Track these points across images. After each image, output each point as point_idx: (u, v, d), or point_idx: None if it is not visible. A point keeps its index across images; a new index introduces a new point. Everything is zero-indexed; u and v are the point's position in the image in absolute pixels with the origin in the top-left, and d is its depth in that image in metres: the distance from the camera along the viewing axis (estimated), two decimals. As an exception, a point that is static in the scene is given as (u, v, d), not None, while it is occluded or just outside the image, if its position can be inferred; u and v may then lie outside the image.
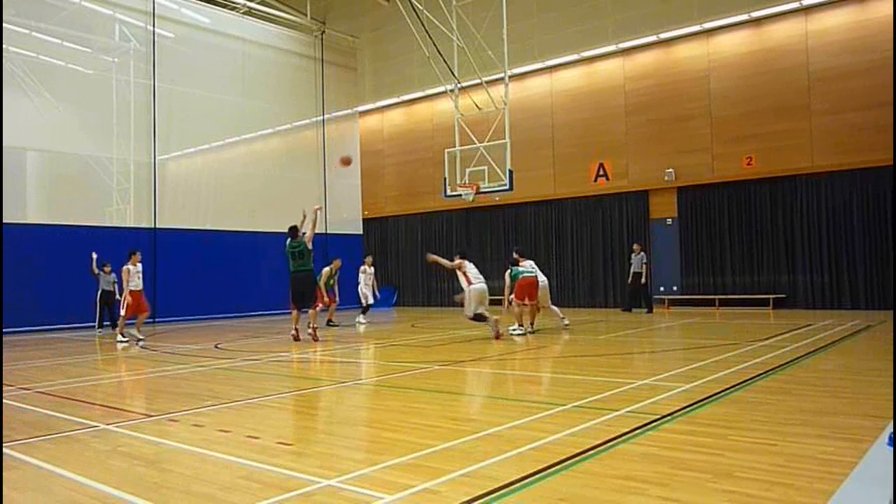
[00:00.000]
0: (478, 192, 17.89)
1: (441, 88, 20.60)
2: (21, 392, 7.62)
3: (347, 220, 25.07)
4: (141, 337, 13.32)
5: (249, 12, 22.51)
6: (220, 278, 19.86)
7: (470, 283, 12.38)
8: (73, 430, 5.69)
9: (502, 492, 3.70)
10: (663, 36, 19.99)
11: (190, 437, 5.33)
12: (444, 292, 24.67)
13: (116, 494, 3.90)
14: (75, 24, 18.27)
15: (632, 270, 18.42)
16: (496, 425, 5.30)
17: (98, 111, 18.72)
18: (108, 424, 5.78)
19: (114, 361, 10.75)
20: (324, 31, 24.50)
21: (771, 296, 18.15)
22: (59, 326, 16.69)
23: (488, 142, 17.75)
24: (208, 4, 21.48)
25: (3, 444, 5.10)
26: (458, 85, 18.52)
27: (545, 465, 4.16)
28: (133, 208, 19.20)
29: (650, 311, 18.17)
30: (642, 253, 18.45)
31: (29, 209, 17.42)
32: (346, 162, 19.05)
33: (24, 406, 6.82)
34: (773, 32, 18.56)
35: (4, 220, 16.39)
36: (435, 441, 4.85)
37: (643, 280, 18.24)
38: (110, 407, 6.67)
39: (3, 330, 15.47)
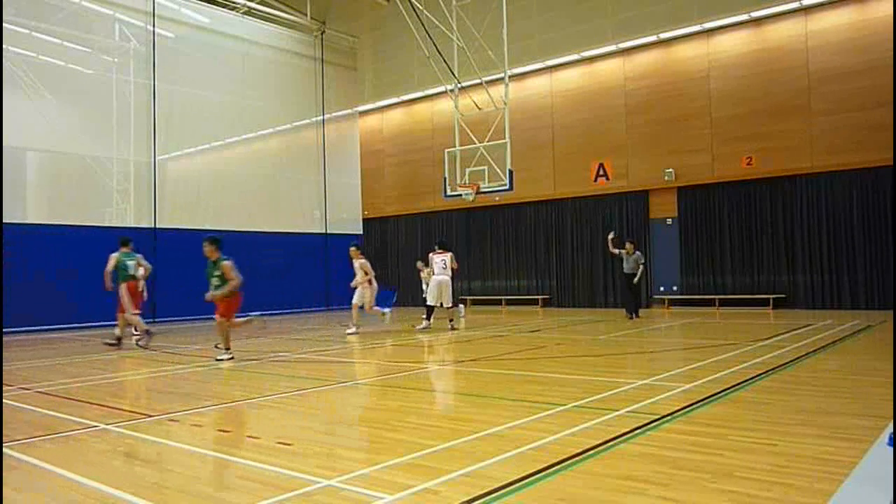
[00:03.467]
0: (478, 192, 17.89)
1: (441, 88, 20.62)
2: (21, 392, 7.62)
3: (347, 219, 25.05)
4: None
5: (249, 12, 22.50)
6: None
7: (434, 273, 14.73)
8: (73, 430, 5.69)
9: (502, 492, 3.70)
10: (663, 36, 20.00)
11: (190, 437, 5.33)
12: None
13: (116, 494, 3.90)
14: (75, 24, 18.26)
15: (626, 272, 16.58)
16: (496, 425, 5.30)
17: (98, 111, 18.71)
18: (108, 424, 5.79)
19: (114, 361, 10.75)
20: (324, 31, 24.49)
21: (771, 296, 18.17)
22: (58, 326, 16.68)
23: (488, 142, 17.75)
24: (208, 4, 21.46)
25: (3, 444, 5.10)
26: (458, 85, 18.52)
27: (545, 465, 4.16)
28: (133, 208, 19.19)
29: (636, 314, 16.36)
30: (637, 252, 16.57)
31: (29, 209, 17.41)
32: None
33: (24, 406, 6.82)
34: (773, 32, 18.57)
35: (4, 220, 16.38)
36: (435, 441, 4.86)
37: (635, 281, 16.40)
38: (110, 407, 6.67)
39: (3, 330, 15.48)
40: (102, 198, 18.70)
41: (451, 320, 14.84)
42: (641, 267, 16.32)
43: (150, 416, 6.14)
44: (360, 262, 14.30)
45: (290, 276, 22.26)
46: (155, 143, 19.46)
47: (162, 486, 4.15)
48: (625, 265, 16.46)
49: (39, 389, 7.82)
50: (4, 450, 4.99)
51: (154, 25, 19.66)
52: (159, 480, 4.31)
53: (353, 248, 14.72)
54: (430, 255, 15.02)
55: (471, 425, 5.37)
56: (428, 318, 14.68)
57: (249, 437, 5.21)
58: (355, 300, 14.43)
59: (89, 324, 16.37)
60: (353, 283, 14.47)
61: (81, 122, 18.65)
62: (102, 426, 5.75)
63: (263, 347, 12.09)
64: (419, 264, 18.20)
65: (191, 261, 19.42)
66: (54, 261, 16.84)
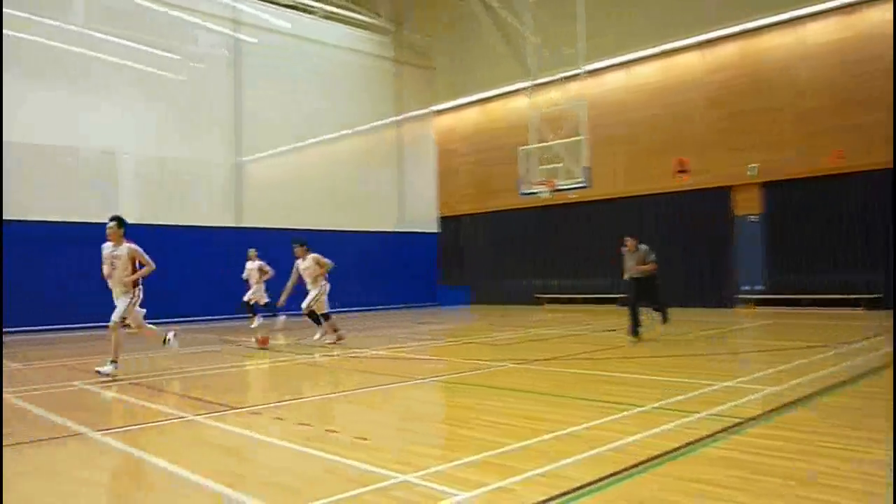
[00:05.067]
0: (554, 190, 17.74)
1: (516, 86, 20.54)
2: (116, 382, 8.02)
3: (423, 218, 25.32)
4: None
5: (328, 16, 22.99)
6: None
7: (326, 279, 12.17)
8: (162, 420, 5.96)
9: (578, 493, 3.68)
10: (746, 26, 19.32)
11: (272, 430, 5.50)
12: (522, 290, 24.57)
13: (202, 483, 4.07)
14: (164, 32, 19.09)
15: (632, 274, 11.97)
16: (572, 425, 5.26)
17: (186, 115, 19.52)
18: (196, 415, 6.03)
19: (206, 354, 11.17)
20: (399, 32, 24.78)
21: (864, 296, 17.30)
22: (155, 321, 17.38)
23: (564, 139, 17.57)
24: (289, 9, 22.05)
25: (101, 431, 5.39)
26: (534, 82, 18.41)
27: (622, 466, 4.11)
28: (218, 208, 19.92)
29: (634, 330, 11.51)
30: (643, 246, 12.05)
31: (121, 210, 18.23)
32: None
33: (119, 396, 7.18)
34: (866, 18, 17.66)
35: (96, 220, 17.26)
36: (510, 439, 4.86)
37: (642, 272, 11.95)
38: (198, 398, 6.94)
39: (83, 326, 16.37)
40: (190, 198, 19.49)
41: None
42: (652, 262, 11.84)
43: (234, 409, 6.36)
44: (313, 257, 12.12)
45: (367, 274, 22.67)
46: (239, 145, 20.19)
47: (245, 476, 4.31)
48: (629, 264, 12.10)
49: (134, 381, 8.22)
50: (101, 436, 5.27)
51: (237, 32, 20.41)
52: (242, 471, 4.47)
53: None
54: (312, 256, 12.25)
55: (546, 425, 5.34)
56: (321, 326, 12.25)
57: (328, 430, 5.33)
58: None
59: (184, 318, 17.06)
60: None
61: (170, 125, 19.47)
62: (191, 417, 5.99)
63: (343, 343, 12.32)
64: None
65: (276, 259, 20.10)
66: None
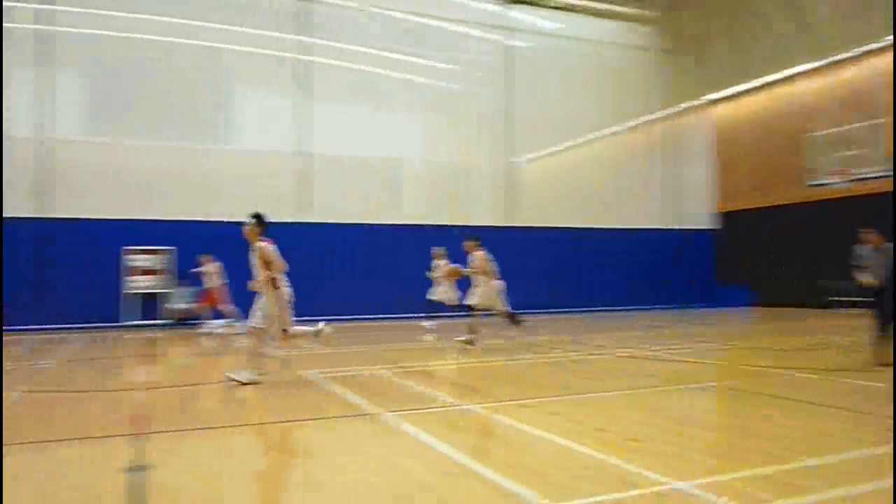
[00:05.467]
0: (850, 180, 15.86)
1: (804, 67, 18.65)
2: (385, 369, 8.79)
3: (697, 214, 24.21)
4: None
5: (597, 13, 22.89)
6: (572, 273, 20.71)
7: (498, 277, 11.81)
8: (441, 406, 6.42)
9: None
10: None
11: (542, 424, 5.65)
12: (811, 292, 22.33)
13: (475, 468, 4.32)
14: (441, 45, 20.49)
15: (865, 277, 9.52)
16: (869, 446, 4.70)
17: (461, 121, 20.78)
18: (470, 404, 6.41)
19: (476, 348, 11.78)
20: (669, 21, 23.85)
21: None
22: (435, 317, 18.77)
23: (863, 122, 15.61)
24: (557, 10, 22.34)
25: (390, 412, 5.97)
26: (826, 60, 16.60)
27: (937, 498, 3.59)
28: (492, 208, 20.87)
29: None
30: (888, 244, 9.39)
31: (404, 213, 19.94)
32: None
33: (398, 381, 7.87)
34: None
35: (387, 221, 19.14)
36: (795, 455, 4.48)
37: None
38: (473, 388, 7.36)
39: (375, 316, 18.18)
40: (468, 199, 20.70)
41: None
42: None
43: (505, 402, 6.64)
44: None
45: (638, 273, 22.28)
46: (510, 147, 21.02)
47: (515, 467, 4.48)
48: (870, 266, 9.48)
49: (415, 370, 8.95)
50: (389, 416, 5.83)
51: (508, 39, 21.29)
52: (513, 460, 4.66)
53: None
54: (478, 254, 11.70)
55: (838, 443, 4.84)
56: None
57: (599, 429, 5.34)
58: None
59: (462, 314, 18.22)
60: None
61: (447, 132, 20.86)
62: (466, 406, 6.38)
63: (610, 342, 12.23)
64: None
65: (547, 257, 20.68)
66: (425, 258, 19.12)
